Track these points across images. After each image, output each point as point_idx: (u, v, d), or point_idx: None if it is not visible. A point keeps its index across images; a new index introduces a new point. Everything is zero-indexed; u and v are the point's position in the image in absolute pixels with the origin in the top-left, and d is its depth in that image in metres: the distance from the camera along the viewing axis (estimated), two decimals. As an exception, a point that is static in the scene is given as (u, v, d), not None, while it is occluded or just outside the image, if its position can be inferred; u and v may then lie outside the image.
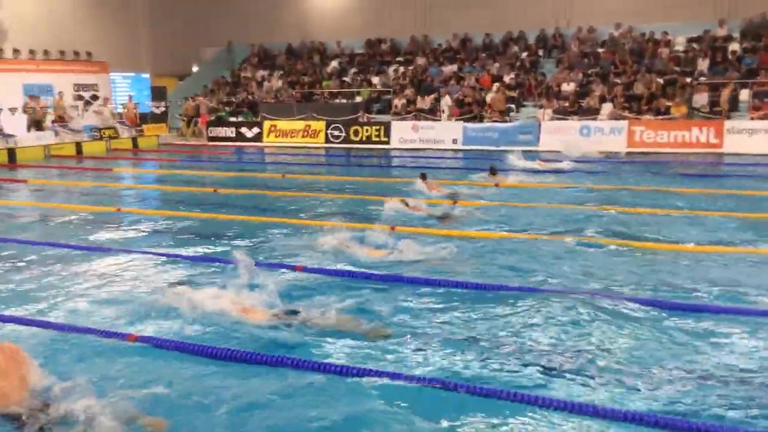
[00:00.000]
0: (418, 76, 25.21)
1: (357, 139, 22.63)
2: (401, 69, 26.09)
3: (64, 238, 8.74)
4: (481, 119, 21.89)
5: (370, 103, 24.68)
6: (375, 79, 26.00)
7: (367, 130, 22.65)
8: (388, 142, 22.12)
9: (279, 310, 5.53)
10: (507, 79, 23.58)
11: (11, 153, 19.48)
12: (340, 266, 7.09)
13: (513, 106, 22.39)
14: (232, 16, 31.12)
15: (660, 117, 19.67)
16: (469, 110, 22.18)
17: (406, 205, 9.79)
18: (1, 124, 20.25)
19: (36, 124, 21.54)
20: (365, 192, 12.53)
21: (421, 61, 26.27)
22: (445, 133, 21.62)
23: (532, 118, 21.54)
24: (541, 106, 21.52)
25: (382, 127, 22.50)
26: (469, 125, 21.45)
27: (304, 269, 6.94)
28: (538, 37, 25.80)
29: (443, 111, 22.86)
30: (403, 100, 23.72)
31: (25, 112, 21.46)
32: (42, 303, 6.15)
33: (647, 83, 20.78)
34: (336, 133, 23.00)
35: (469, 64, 25.43)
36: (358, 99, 24.84)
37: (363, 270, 6.94)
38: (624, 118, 20.04)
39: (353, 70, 27.26)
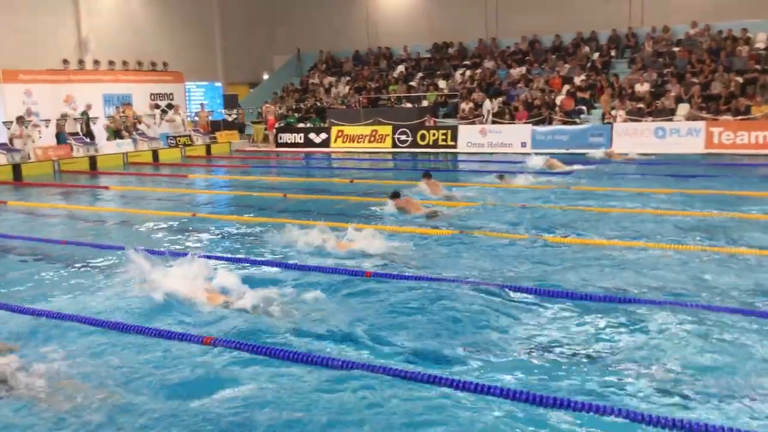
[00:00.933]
0: (486, 79, 25.01)
1: (424, 143, 22.63)
2: (468, 72, 25.95)
3: (143, 243, 9.05)
4: (550, 122, 21.53)
5: (436, 107, 24.64)
6: (442, 83, 25.95)
7: (434, 135, 22.61)
8: (455, 146, 22.01)
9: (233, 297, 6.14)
10: (577, 80, 23.12)
11: (93, 160, 20.39)
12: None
13: (584, 107, 21.91)
14: (301, 24, 31.70)
15: (740, 117, 18.86)
16: (538, 113, 21.84)
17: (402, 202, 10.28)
18: (86, 132, 21.25)
19: (116, 132, 22.48)
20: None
21: (489, 64, 26.07)
22: (514, 136, 21.36)
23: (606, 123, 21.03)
24: (613, 108, 20.99)
25: (450, 131, 22.42)
26: (538, 128, 21.12)
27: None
28: (610, 37, 25.18)
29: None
30: (471, 104, 23.57)
31: (110, 120, 22.48)
32: (122, 305, 6.38)
33: (725, 82, 19.97)
34: (403, 137, 23.06)
35: (538, 66, 25.06)
36: (425, 103, 24.82)
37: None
38: (701, 118, 19.31)
39: (420, 74, 27.29)
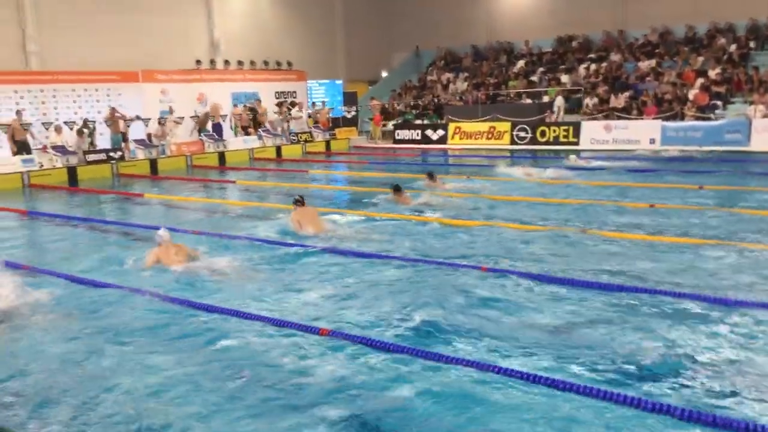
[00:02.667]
0: (612, 73, 23.99)
1: (544, 140, 22.03)
2: (593, 66, 25.00)
3: (265, 234, 9.38)
4: (682, 117, 20.33)
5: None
6: (564, 78, 25.15)
7: (554, 131, 21.96)
8: (577, 143, 21.27)
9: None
10: (712, 74, 21.67)
11: (221, 156, 21.43)
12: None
13: (719, 102, 20.51)
14: (420, 21, 31.78)
15: None
16: (668, 108, 20.68)
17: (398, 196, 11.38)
18: (215, 129, 22.41)
19: (243, 129, 23.53)
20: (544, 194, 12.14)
21: (615, 57, 24.99)
22: (641, 132, 20.35)
23: (741, 116, 19.56)
24: (751, 103, 19.50)
25: (572, 128, 21.68)
26: (669, 124, 20.00)
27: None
28: (748, 27, 23.41)
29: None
30: (595, 99, 22.69)
31: (237, 117, 23.60)
32: (245, 294, 6.64)
33: None
34: (522, 134, 22.56)
35: (669, 58, 23.73)
36: (546, 99, 24.17)
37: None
38: None
39: (541, 69, 26.59)
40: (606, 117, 21.80)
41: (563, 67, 26.06)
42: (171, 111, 21.56)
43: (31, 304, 6.37)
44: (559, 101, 22.85)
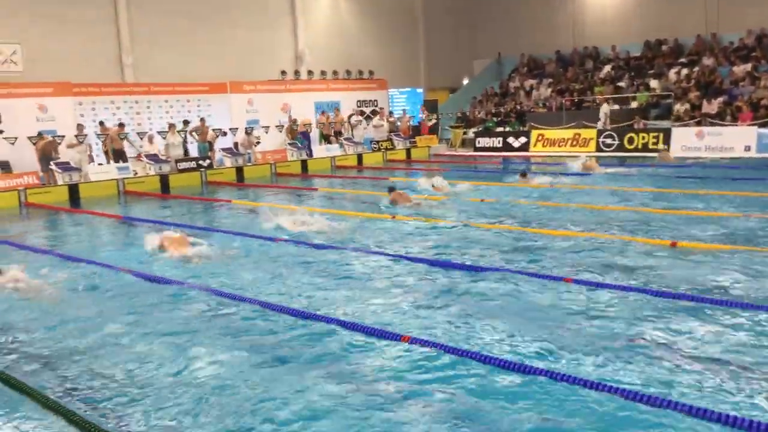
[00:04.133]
0: (704, 78, 23.00)
1: (632, 147, 21.33)
2: (684, 71, 24.04)
3: (344, 242, 9.49)
4: (781, 123, 19.27)
5: (647, 109, 23.12)
6: (653, 83, 24.29)
7: (643, 138, 21.23)
8: (667, 150, 20.45)
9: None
10: (816, 76, 20.45)
11: (304, 164, 21.86)
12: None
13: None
14: (502, 28, 31.46)
15: None
16: (765, 113, 19.63)
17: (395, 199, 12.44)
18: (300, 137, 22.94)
19: (325, 138, 23.94)
20: (641, 203, 11.72)
21: (708, 61, 23.94)
22: (736, 139, 19.41)
23: None
24: None
25: (661, 134, 20.91)
26: (766, 131, 18.97)
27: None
28: None
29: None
30: (686, 105, 21.81)
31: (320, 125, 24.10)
32: (325, 299, 6.73)
33: None
34: (608, 141, 21.93)
35: (766, 62, 22.53)
36: (634, 105, 23.40)
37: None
38: None
39: (629, 74, 25.79)
40: (698, 123, 20.90)
41: (652, 72, 25.18)
42: (248, 132, 22.02)
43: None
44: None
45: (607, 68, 26.92)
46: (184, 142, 20.45)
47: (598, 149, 21.98)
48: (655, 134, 21.03)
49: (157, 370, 5.10)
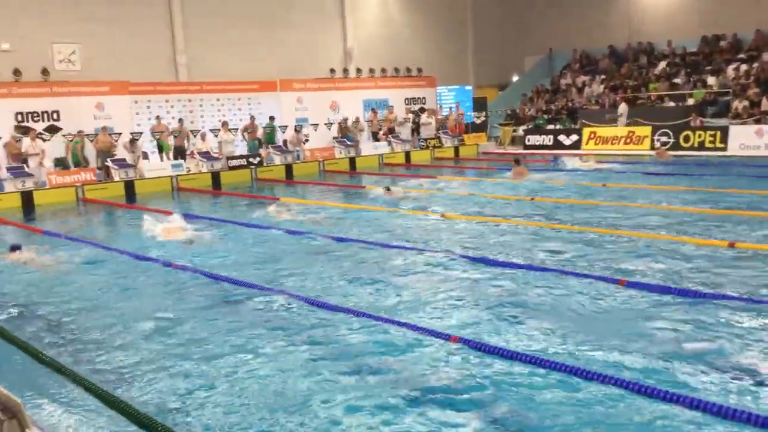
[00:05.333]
0: (764, 74, 22.21)
1: (688, 145, 20.75)
2: (743, 67, 23.26)
3: (394, 239, 9.50)
4: None
5: (704, 106, 22.46)
6: (711, 80, 23.59)
7: (700, 136, 20.63)
8: (725, 149, 19.86)
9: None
10: None
11: (352, 161, 21.96)
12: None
13: None
14: (553, 24, 31.00)
15: None
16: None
17: (388, 189, 14.33)
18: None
19: (373, 135, 24.01)
20: (696, 203, 11.40)
21: (768, 56, 23.13)
22: (799, 137, 18.68)
23: None
24: None
25: (719, 132, 20.28)
26: (832, 128, 18.22)
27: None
28: None
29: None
30: (745, 102, 21.10)
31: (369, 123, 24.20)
32: (367, 295, 6.73)
33: None
34: (663, 139, 21.38)
35: (833, 56, 21.65)
36: (690, 102, 22.77)
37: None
38: None
39: (685, 70, 25.10)
40: (757, 121, 20.19)
41: (709, 68, 24.45)
42: (297, 130, 22.23)
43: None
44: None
45: (663, 64, 26.25)
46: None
47: (653, 147, 21.44)
48: (712, 132, 20.41)
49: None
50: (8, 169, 16.72)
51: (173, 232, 10.52)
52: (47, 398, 4.67)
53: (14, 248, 9.56)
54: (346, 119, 23.63)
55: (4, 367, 5.22)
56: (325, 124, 23.53)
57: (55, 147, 18.33)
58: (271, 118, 21.65)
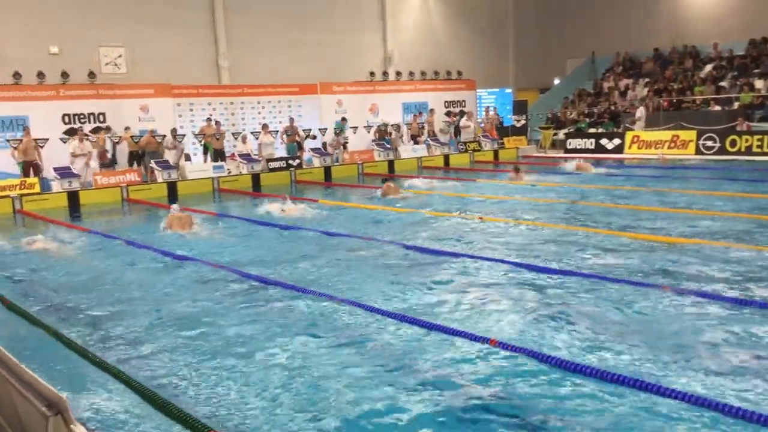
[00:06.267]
0: (816, 76, 21.56)
1: (734, 150, 20.24)
2: (793, 70, 22.61)
3: (432, 242, 9.46)
4: None
5: (751, 110, 21.88)
6: (759, 83, 22.97)
7: (747, 140, 20.10)
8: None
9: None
10: None
11: (391, 164, 21.97)
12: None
13: None
14: (596, 26, 30.57)
15: None
16: None
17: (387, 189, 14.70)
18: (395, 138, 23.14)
19: (412, 138, 23.99)
20: (749, 209, 11.10)
21: (821, 59, 22.43)
22: None
23: None
24: None
25: (766, 137, 19.72)
26: None
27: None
28: None
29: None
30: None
31: (408, 128, 24.25)
32: (407, 299, 6.71)
33: None
34: (709, 143, 20.89)
35: None
36: (737, 105, 22.20)
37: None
38: None
39: (731, 74, 24.48)
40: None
41: (757, 71, 23.80)
42: (337, 133, 22.36)
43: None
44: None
45: (708, 67, 25.66)
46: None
47: (698, 152, 20.98)
48: (759, 137, 19.86)
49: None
50: (55, 169, 17.17)
51: (182, 221, 11.12)
52: (89, 395, 4.76)
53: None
54: (385, 124, 23.66)
55: (48, 363, 5.34)
56: (364, 127, 23.61)
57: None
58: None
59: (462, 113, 26.17)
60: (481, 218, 11.35)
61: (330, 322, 6.15)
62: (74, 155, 17.70)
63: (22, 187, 16.34)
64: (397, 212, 12.64)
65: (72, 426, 2.46)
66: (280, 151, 21.28)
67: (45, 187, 16.91)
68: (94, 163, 18.15)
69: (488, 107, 27.20)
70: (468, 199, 14.28)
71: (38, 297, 7.66)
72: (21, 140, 17.15)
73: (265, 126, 20.90)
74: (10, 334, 6.20)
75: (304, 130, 21.66)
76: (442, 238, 9.81)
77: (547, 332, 5.56)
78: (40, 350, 5.73)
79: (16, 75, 18.15)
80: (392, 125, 23.72)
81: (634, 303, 6.20)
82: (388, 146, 22.69)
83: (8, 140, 17.39)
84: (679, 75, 26.08)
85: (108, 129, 18.79)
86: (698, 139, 21.17)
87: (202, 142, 20.07)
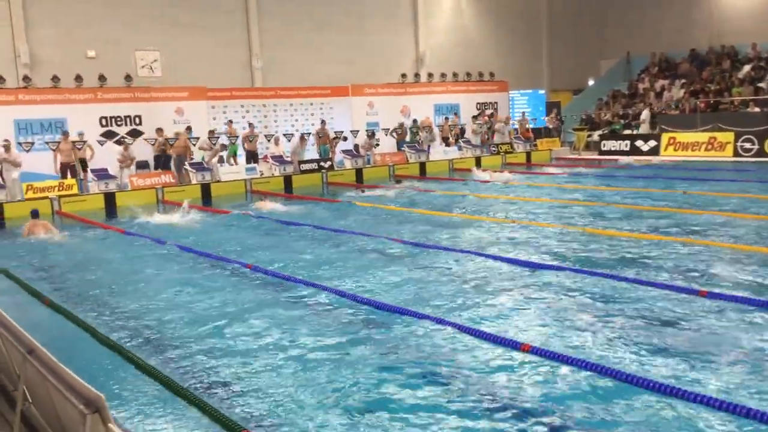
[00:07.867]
0: None
1: (773, 151, 19.79)
2: (837, 69, 22.01)
3: (464, 245, 9.42)
4: None
5: (792, 111, 21.37)
6: (799, 84, 22.43)
7: (786, 142, 19.63)
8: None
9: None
10: None
11: (422, 166, 21.93)
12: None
13: None
14: (631, 26, 30.20)
15: None
16: None
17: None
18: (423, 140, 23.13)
19: (443, 140, 23.94)
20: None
21: None
22: None
23: None
24: None
25: (808, 139, 19.25)
26: None
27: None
28: None
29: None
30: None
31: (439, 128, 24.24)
32: (445, 303, 6.69)
33: None
34: (747, 145, 20.46)
35: None
36: (777, 107, 21.69)
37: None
38: None
39: (772, 74, 23.94)
40: None
41: (799, 71, 23.26)
42: (369, 135, 22.37)
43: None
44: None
45: (747, 68, 25.11)
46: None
47: (736, 154, 20.57)
48: (801, 139, 19.40)
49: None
50: (92, 171, 17.50)
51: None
52: (125, 394, 4.83)
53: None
54: (415, 122, 23.66)
55: (87, 362, 5.44)
56: (393, 128, 23.60)
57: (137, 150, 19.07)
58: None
59: (491, 115, 25.99)
60: (514, 221, 11.26)
61: (361, 323, 6.16)
62: (120, 162, 18.03)
63: (61, 188, 16.68)
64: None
65: (110, 424, 2.50)
66: (311, 153, 21.37)
67: (82, 188, 17.27)
68: (133, 167, 18.48)
69: (523, 112, 27.02)
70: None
71: (78, 297, 7.80)
72: (59, 143, 17.52)
73: (302, 138, 20.66)
74: (51, 333, 6.32)
75: (335, 132, 21.74)
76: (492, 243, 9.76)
77: (582, 336, 5.49)
78: (79, 349, 5.83)
79: (55, 78, 18.57)
80: (411, 127, 23.61)
81: (669, 307, 6.10)
82: (419, 148, 22.66)
83: (47, 142, 17.78)
84: (717, 76, 25.58)
85: (161, 131, 19.01)
86: (736, 140, 20.74)
87: (234, 144, 20.25)
